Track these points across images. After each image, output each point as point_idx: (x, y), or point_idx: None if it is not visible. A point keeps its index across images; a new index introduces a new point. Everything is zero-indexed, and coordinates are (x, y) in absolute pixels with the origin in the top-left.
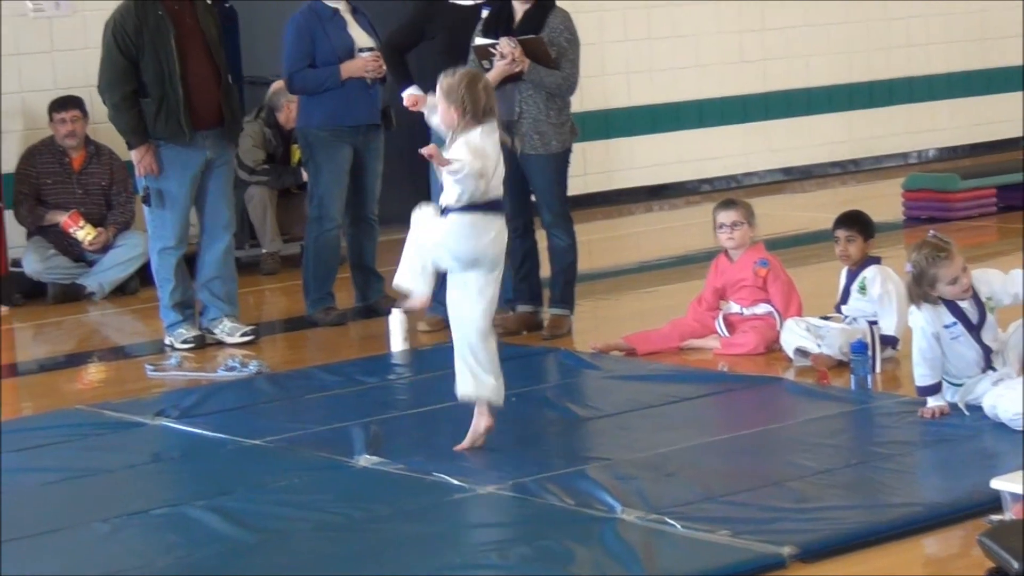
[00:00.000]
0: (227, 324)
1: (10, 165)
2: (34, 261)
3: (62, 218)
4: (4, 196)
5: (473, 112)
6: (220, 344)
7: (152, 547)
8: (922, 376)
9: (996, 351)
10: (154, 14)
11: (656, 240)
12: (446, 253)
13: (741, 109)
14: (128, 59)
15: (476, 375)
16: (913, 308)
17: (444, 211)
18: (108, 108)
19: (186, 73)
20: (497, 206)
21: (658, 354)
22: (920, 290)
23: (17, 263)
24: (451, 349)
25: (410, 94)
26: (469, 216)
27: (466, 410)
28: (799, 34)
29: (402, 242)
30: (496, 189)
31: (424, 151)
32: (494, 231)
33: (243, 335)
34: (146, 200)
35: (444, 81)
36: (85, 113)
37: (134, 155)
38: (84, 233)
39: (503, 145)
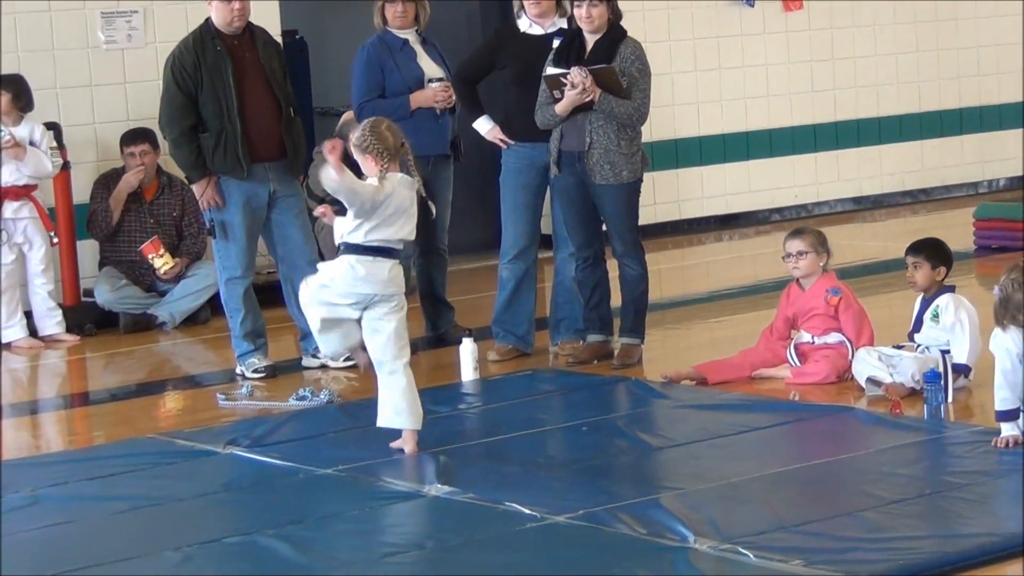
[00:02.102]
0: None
1: (81, 196)
2: (105, 291)
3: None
4: (76, 227)
5: (387, 152)
6: (324, 368)
7: None
8: (1003, 400)
9: None
10: (212, 50)
11: (727, 269)
12: (334, 295)
13: (812, 138)
14: (186, 95)
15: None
16: (997, 331)
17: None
18: (168, 143)
19: (244, 107)
20: (389, 252)
21: (729, 383)
22: (1006, 313)
23: (89, 293)
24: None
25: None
26: (356, 258)
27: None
28: (869, 63)
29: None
30: (394, 237)
31: (317, 212)
32: (386, 273)
33: (347, 359)
34: (211, 232)
35: (352, 140)
36: (156, 146)
37: (195, 189)
38: (162, 261)
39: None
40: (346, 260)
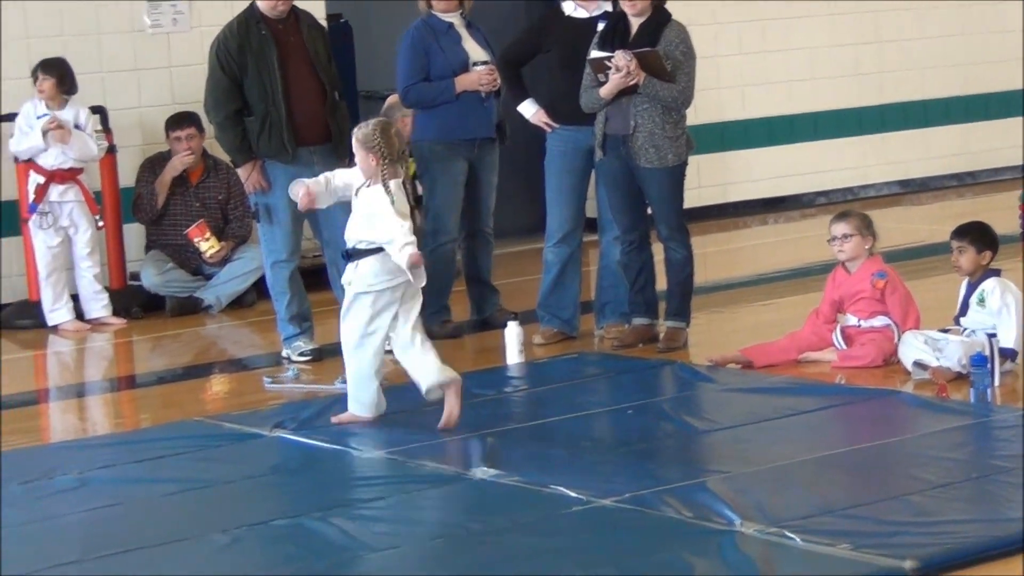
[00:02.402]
0: None
1: (127, 180)
2: (152, 274)
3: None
4: (122, 211)
5: (390, 157)
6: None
7: (271, 558)
8: None
9: None
10: (257, 34)
11: (772, 253)
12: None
13: (857, 121)
14: (231, 79)
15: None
16: None
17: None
18: (214, 127)
19: (289, 91)
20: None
21: (775, 367)
22: None
23: (135, 276)
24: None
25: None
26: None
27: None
28: (915, 46)
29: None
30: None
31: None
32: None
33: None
34: (256, 216)
35: (359, 132)
36: (201, 129)
37: (240, 173)
38: (208, 245)
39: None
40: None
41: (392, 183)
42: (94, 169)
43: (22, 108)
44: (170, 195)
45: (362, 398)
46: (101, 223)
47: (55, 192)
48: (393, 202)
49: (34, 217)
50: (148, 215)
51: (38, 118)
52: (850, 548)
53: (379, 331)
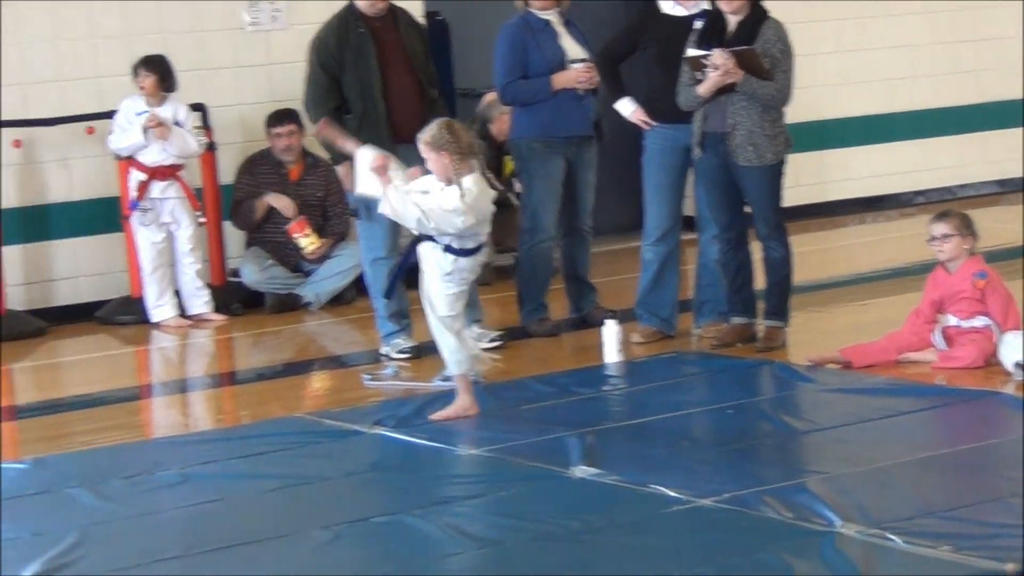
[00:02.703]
0: (476, 330)
1: (227, 177)
2: (252, 271)
3: (278, 202)
4: (222, 208)
5: (461, 151)
6: None
7: (371, 555)
8: None
9: None
10: (355, 32)
11: (871, 252)
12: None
13: (956, 120)
14: (330, 76)
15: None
16: None
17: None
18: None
19: (387, 88)
20: (471, 252)
21: (875, 367)
22: None
23: (235, 273)
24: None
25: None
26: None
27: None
28: (1014, 44)
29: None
30: (477, 237)
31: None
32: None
33: (491, 340)
34: (355, 213)
35: (424, 135)
36: (301, 126)
37: (340, 170)
38: (308, 241)
39: (722, 158)
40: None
41: (468, 179)
42: (195, 166)
43: (121, 105)
44: (271, 192)
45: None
46: (203, 219)
47: (156, 189)
48: (463, 196)
49: (136, 214)
50: (246, 225)
51: (137, 115)
52: (951, 550)
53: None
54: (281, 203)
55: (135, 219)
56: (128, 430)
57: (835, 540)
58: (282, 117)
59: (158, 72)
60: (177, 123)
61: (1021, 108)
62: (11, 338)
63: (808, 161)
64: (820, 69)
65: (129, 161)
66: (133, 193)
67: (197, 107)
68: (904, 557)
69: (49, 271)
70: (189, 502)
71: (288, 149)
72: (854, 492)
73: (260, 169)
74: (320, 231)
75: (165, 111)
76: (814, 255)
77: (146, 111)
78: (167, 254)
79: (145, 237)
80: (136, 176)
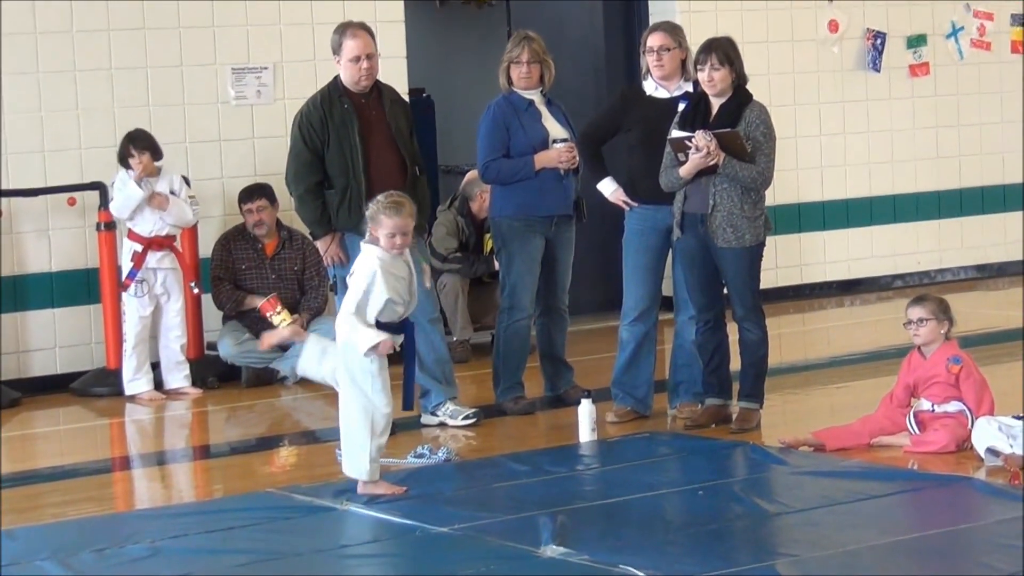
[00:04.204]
0: (450, 407)
1: (207, 250)
2: (229, 345)
3: (260, 302)
4: (201, 280)
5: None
6: (443, 426)
7: None
8: None
9: None
10: (340, 108)
11: (847, 335)
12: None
13: (936, 205)
14: (313, 152)
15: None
16: None
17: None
18: (294, 199)
19: (370, 165)
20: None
21: (847, 450)
22: None
23: (212, 346)
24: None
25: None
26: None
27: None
28: (995, 130)
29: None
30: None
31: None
32: None
33: (466, 417)
34: (334, 288)
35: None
36: (274, 200)
37: (319, 245)
38: (280, 319)
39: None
40: None
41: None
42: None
43: (117, 177)
44: (247, 268)
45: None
46: (196, 289)
47: (152, 259)
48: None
49: (132, 285)
50: (226, 309)
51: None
52: None
53: None
54: (259, 303)
55: (130, 291)
56: (99, 503)
57: None
58: (253, 193)
59: (150, 147)
60: (173, 192)
61: (1001, 194)
62: None
63: (787, 243)
64: (801, 152)
65: (110, 233)
66: (128, 264)
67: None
68: None
69: (25, 342)
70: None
71: (259, 224)
72: None
73: (236, 245)
74: (296, 305)
75: (161, 184)
76: (791, 337)
77: (142, 185)
78: (152, 327)
79: (134, 310)
80: (130, 246)
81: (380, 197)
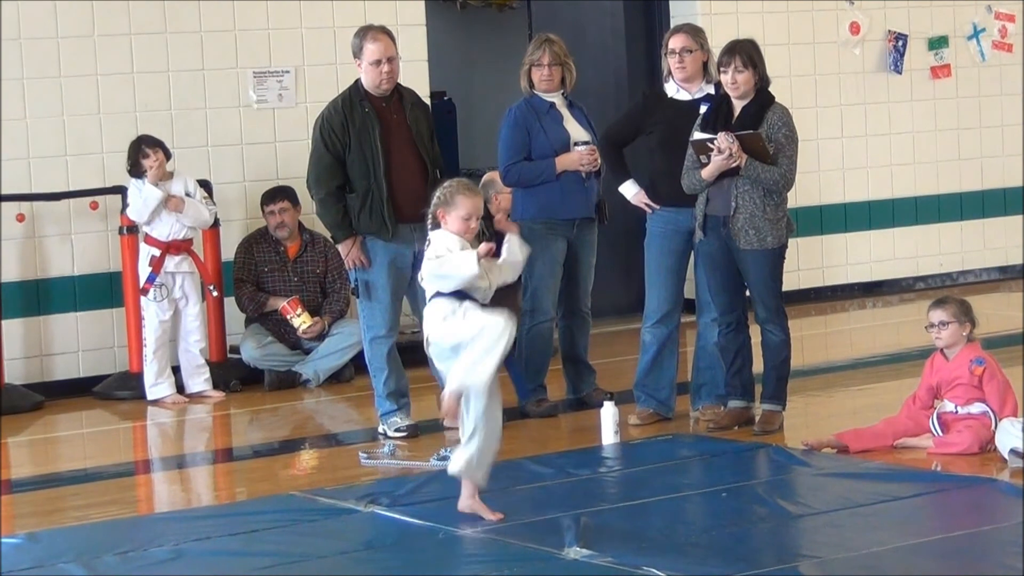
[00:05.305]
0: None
1: (230, 253)
2: (251, 348)
3: (281, 304)
4: (224, 284)
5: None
6: None
7: None
8: None
9: None
10: (360, 111)
11: (870, 337)
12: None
13: (958, 206)
14: (334, 155)
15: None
16: None
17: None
18: (315, 203)
19: (391, 168)
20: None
21: (870, 452)
22: None
23: (235, 350)
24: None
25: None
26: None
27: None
28: (1017, 131)
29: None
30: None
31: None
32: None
33: None
34: (355, 292)
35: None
36: (296, 203)
37: (340, 249)
38: (300, 320)
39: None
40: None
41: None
42: (198, 241)
43: (130, 186)
44: (269, 270)
45: None
46: (215, 292)
47: (171, 263)
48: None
49: (152, 289)
50: (248, 311)
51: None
52: None
53: None
54: (280, 304)
55: (149, 295)
56: (122, 505)
57: None
58: (275, 195)
59: (159, 145)
60: (188, 194)
61: (1022, 195)
62: (8, 412)
63: (809, 245)
64: (823, 154)
65: (132, 237)
66: (147, 268)
67: (203, 183)
68: None
69: (48, 345)
70: None
71: (281, 226)
72: None
73: (258, 247)
74: (319, 308)
75: (175, 186)
76: (813, 339)
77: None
78: (173, 331)
79: (153, 314)
80: (148, 251)
81: (452, 181)
